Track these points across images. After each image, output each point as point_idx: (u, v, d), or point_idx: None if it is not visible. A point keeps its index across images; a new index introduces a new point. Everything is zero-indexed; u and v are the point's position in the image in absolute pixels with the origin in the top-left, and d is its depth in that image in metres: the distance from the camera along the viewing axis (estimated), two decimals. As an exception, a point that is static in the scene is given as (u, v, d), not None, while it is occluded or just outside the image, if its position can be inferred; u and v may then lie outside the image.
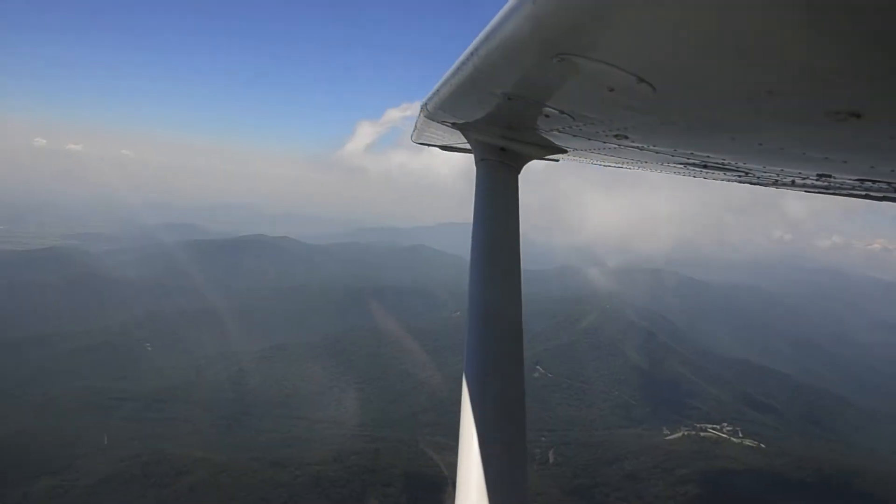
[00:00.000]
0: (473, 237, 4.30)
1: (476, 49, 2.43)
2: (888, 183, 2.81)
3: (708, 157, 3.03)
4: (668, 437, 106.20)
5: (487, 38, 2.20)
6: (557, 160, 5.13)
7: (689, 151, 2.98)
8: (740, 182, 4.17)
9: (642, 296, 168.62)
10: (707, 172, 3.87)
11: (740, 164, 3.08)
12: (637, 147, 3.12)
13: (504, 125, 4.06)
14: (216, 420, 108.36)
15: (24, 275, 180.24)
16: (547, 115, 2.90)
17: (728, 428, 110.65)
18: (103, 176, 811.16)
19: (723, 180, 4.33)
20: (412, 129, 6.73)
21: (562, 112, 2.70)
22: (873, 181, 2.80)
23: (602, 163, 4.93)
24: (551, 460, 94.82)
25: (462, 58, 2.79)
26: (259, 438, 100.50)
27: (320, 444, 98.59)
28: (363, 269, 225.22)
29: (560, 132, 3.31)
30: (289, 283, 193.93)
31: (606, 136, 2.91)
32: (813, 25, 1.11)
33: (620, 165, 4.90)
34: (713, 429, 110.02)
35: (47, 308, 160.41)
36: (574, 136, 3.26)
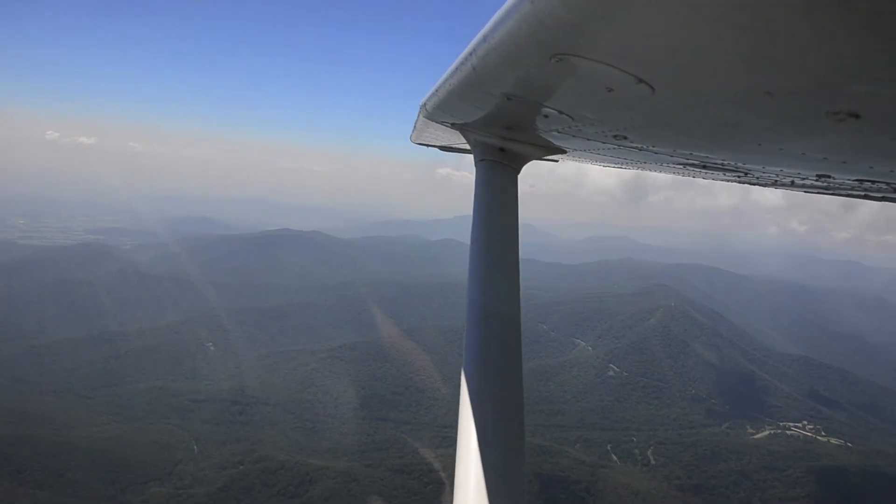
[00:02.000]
0: (473, 237, 4.31)
1: (475, 49, 2.41)
2: (887, 183, 2.87)
3: (707, 157, 3.08)
4: (755, 436, 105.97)
5: (486, 38, 2.18)
6: (557, 160, 5.22)
7: (688, 152, 3.01)
8: (740, 182, 4.25)
9: (694, 291, 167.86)
10: (706, 173, 3.94)
11: (739, 164, 3.12)
12: (636, 147, 3.16)
13: (503, 125, 4.08)
14: (299, 422, 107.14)
15: (65, 271, 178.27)
16: (546, 116, 2.94)
17: (809, 426, 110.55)
18: (115, 169, 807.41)
19: (722, 180, 4.42)
20: (411, 130, 6.65)
21: (561, 112, 2.73)
22: (872, 181, 2.85)
23: (602, 163, 5.11)
24: (652, 461, 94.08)
25: (461, 58, 2.79)
26: (350, 441, 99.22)
27: (414, 446, 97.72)
28: (404, 265, 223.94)
29: (559, 132, 3.33)
30: (334, 278, 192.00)
31: (605, 136, 2.96)
32: (811, 26, 1.12)
33: (620, 166, 5.09)
34: (795, 427, 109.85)
35: (97, 306, 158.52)
36: (573, 136, 3.28)
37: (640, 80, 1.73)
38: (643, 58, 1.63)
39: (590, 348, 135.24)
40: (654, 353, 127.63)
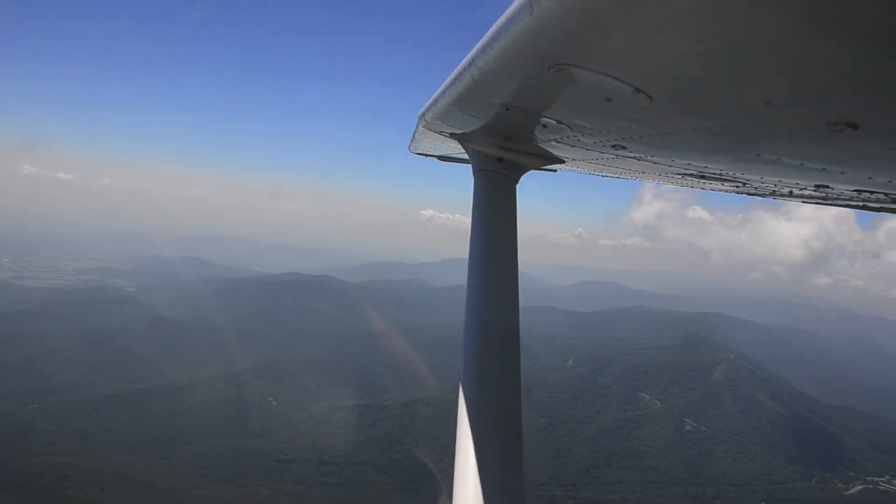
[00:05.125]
0: (471, 247, 4.43)
1: (473, 59, 2.43)
2: (885, 194, 2.94)
3: (706, 167, 3.15)
4: (848, 492, 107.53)
5: (485, 48, 2.19)
6: (555, 170, 5.40)
7: (686, 162, 3.09)
8: (738, 192, 4.36)
9: (732, 342, 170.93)
10: (705, 183, 4.03)
11: (738, 174, 3.20)
12: (635, 157, 3.23)
13: (502, 135, 4.19)
14: (396, 483, 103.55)
15: (91, 318, 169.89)
16: (545, 126, 3.01)
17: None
18: (92, 205, 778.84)
19: (721, 191, 4.51)
20: (410, 140, 6.78)
21: (559, 122, 2.81)
22: (871, 192, 2.94)
23: (600, 173, 5.20)
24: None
25: (459, 68, 2.85)
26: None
27: None
28: (421, 312, 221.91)
29: (558, 142, 3.44)
30: (363, 326, 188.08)
31: (604, 146, 3.03)
32: (809, 36, 1.12)
33: (619, 176, 5.14)
34: (884, 483, 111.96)
35: (136, 356, 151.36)
36: (572, 146, 3.40)
37: (639, 91, 1.73)
38: (642, 68, 1.64)
39: (657, 402, 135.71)
40: (727, 407, 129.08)
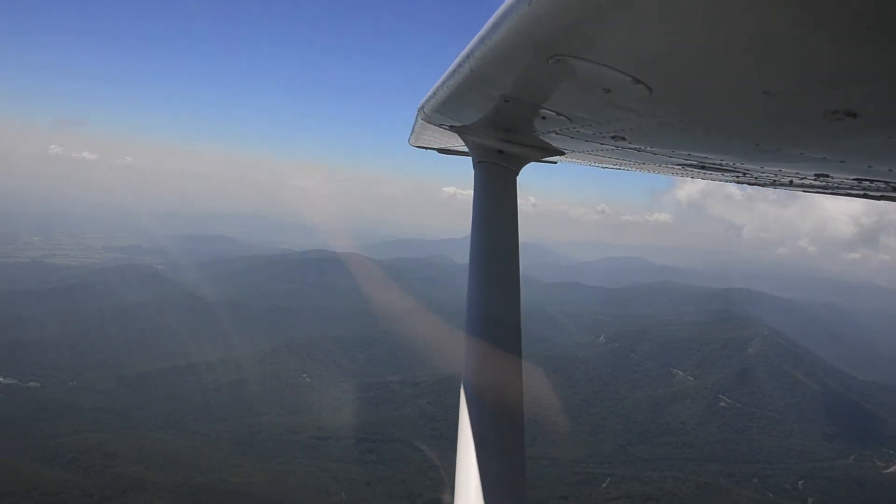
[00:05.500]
0: (472, 240, 4.36)
1: (472, 51, 2.44)
2: (886, 182, 2.90)
3: (705, 157, 3.11)
4: (888, 471, 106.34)
5: (483, 39, 2.20)
6: (555, 162, 5.29)
7: (686, 152, 3.05)
8: (738, 182, 4.31)
9: (765, 319, 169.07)
10: (705, 173, 4.02)
11: (738, 164, 3.16)
12: (634, 148, 3.18)
13: (501, 127, 4.14)
14: (438, 460, 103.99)
15: (122, 295, 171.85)
16: (544, 117, 2.99)
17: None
18: (115, 184, 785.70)
19: (721, 181, 4.49)
20: (409, 133, 6.71)
21: (558, 114, 2.77)
22: (871, 180, 2.90)
23: (600, 164, 5.14)
24: (810, 500, 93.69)
25: (458, 60, 2.81)
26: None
27: (546, 483, 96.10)
28: (454, 289, 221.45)
29: (557, 134, 3.37)
30: (394, 304, 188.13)
31: (603, 137, 3.00)
32: (808, 25, 1.12)
33: (619, 167, 5.13)
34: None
35: (170, 334, 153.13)
36: (571, 137, 3.32)
37: (638, 81, 1.73)
38: (640, 58, 1.65)
39: (690, 378, 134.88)
40: (762, 384, 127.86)
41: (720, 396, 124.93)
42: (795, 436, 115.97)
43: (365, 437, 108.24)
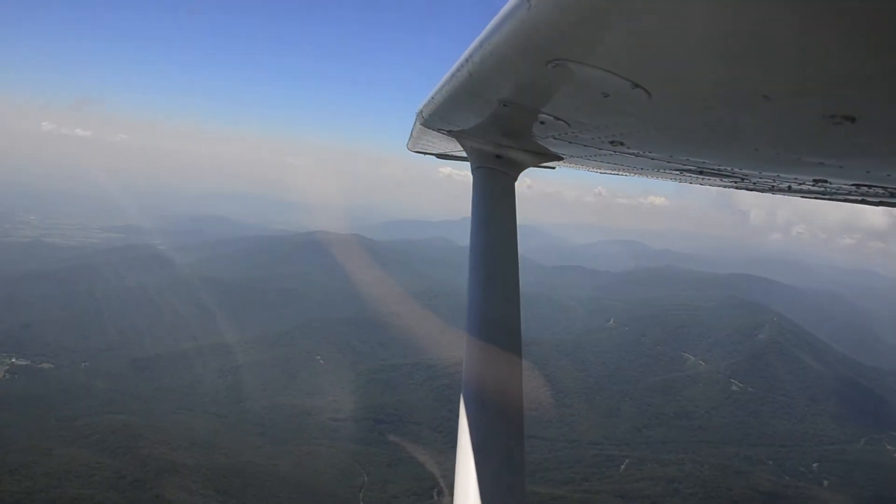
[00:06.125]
0: (471, 245, 4.41)
1: (470, 55, 2.44)
2: (884, 188, 2.89)
3: (704, 162, 3.11)
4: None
5: (481, 44, 2.20)
6: (554, 167, 5.39)
7: (684, 157, 3.04)
8: (737, 188, 4.32)
9: (772, 304, 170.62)
10: (703, 178, 4.01)
11: (736, 169, 3.16)
12: (633, 153, 3.19)
13: (499, 132, 4.14)
14: (455, 443, 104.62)
15: (129, 276, 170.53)
16: (542, 122, 2.97)
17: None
18: (109, 162, 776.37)
19: (719, 186, 4.48)
20: (408, 138, 6.73)
21: (557, 118, 2.78)
22: (869, 186, 2.91)
23: (599, 170, 5.16)
24: (825, 482, 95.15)
25: (456, 65, 2.81)
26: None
27: (567, 465, 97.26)
28: (457, 271, 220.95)
29: (556, 139, 3.37)
30: (402, 286, 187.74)
31: (602, 142, 3.01)
32: (807, 29, 1.12)
33: (617, 172, 5.13)
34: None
35: (180, 315, 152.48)
36: (570, 142, 3.33)
37: (637, 85, 1.73)
38: (639, 63, 1.64)
39: (702, 363, 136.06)
40: (773, 369, 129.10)
41: (732, 381, 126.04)
42: (807, 420, 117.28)
43: (383, 419, 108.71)
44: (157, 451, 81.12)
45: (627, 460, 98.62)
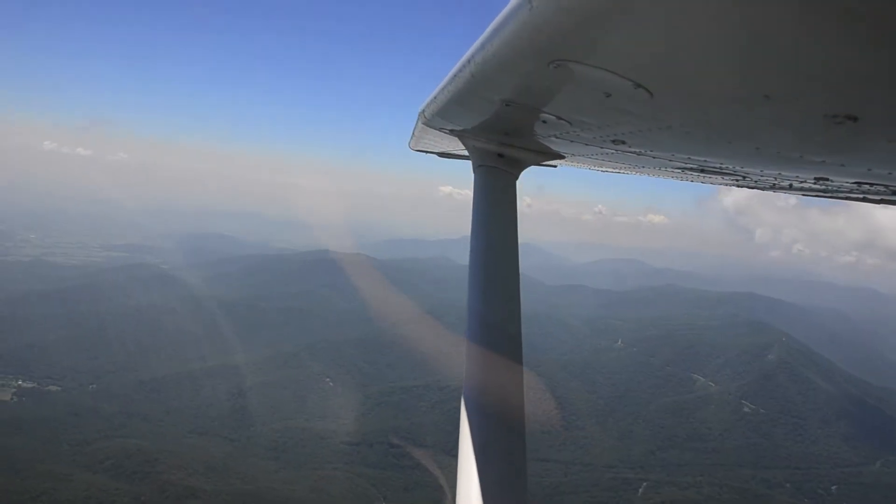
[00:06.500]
0: (472, 244, 4.43)
1: (473, 55, 2.47)
2: (885, 186, 2.91)
3: (705, 161, 3.14)
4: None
5: (484, 44, 2.22)
6: (555, 166, 5.46)
7: (686, 156, 3.07)
8: (738, 186, 4.36)
9: (777, 324, 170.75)
10: (705, 177, 4.05)
11: (738, 167, 3.21)
12: (634, 152, 3.21)
13: (501, 131, 4.19)
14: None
15: (129, 295, 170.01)
16: (544, 121, 3.01)
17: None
18: (109, 180, 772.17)
19: (720, 184, 4.53)
20: (409, 137, 6.73)
21: (559, 118, 2.81)
22: (871, 184, 2.91)
23: (600, 168, 5.18)
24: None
25: (459, 64, 2.84)
26: (532, 485, 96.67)
27: (584, 488, 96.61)
28: (462, 290, 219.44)
29: (558, 138, 3.40)
30: (409, 306, 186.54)
31: (604, 141, 3.04)
32: (808, 29, 1.13)
33: (619, 171, 5.18)
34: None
35: (185, 336, 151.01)
36: (572, 141, 3.36)
37: (638, 85, 1.74)
38: (641, 63, 1.66)
39: (712, 384, 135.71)
40: (784, 390, 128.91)
41: (743, 402, 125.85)
42: (820, 442, 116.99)
43: (398, 444, 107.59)
44: (174, 477, 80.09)
45: (645, 484, 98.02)
